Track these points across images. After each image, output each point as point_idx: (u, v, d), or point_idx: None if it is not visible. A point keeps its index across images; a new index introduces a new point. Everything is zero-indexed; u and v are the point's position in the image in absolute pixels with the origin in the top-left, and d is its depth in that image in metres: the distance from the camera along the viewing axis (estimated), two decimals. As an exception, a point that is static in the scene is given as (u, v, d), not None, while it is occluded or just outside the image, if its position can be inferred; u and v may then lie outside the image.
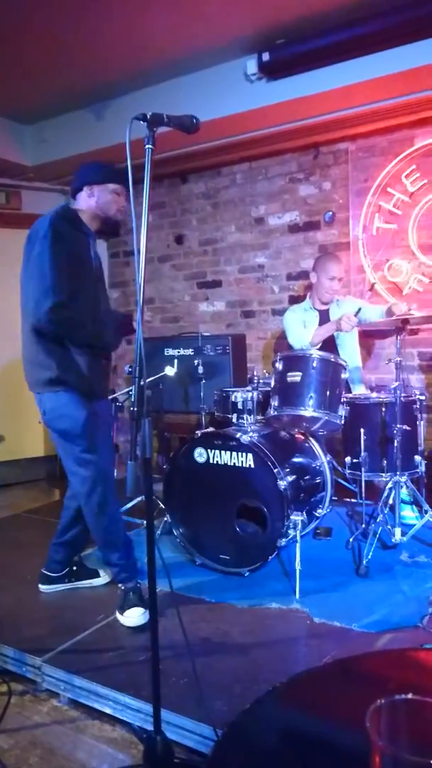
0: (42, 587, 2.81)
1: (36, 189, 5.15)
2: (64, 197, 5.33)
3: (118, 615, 2.51)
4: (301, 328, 3.82)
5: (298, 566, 2.65)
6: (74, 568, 2.85)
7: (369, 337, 4.26)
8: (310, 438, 3.21)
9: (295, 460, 3.06)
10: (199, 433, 3.00)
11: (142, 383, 1.62)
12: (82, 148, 4.43)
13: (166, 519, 3.14)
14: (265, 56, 3.54)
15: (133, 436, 1.62)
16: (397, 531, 2.93)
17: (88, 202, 2.59)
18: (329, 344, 3.74)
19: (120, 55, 3.66)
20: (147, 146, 1.72)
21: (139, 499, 3.60)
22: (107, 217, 2.63)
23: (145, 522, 3.53)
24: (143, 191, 1.70)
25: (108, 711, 2.04)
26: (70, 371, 2.49)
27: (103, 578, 2.87)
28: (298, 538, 2.68)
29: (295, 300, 4.63)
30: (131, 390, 1.65)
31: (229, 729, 0.84)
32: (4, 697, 2.18)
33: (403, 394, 2.98)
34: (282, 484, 2.71)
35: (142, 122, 1.72)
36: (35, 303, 2.37)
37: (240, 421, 3.13)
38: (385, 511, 3.00)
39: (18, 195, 5.11)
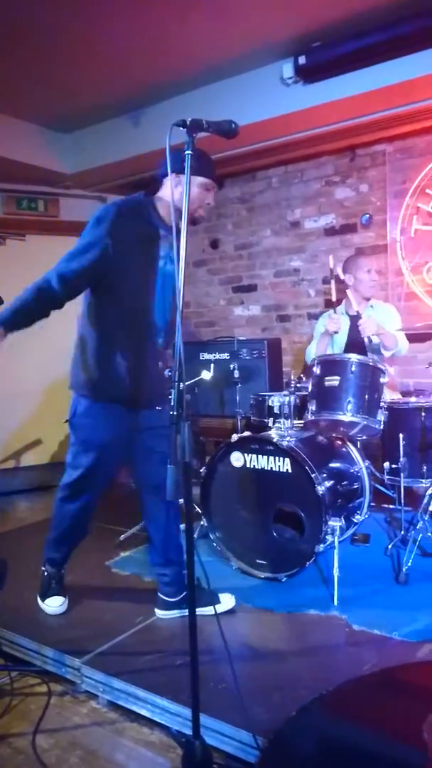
0: (159, 613, 2.61)
1: (74, 196, 5.23)
2: (101, 204, 5.40)
3: (39, 600, 2.69)
4: (316, 341, 3.87)
5: (336, 572, 2.62)
6: None
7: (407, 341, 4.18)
8: (348, 443, 3.17)
9: (333, 465, 3.03)
10: (236, 437, 3.00)
11: (181, 387, 1.63)
12: (120, 156, 4.49)
13: (202, 523, 3.13)
14: (302, 60, 3.53)
15: (173, 440, 1.63)
16: (438, 538, 2.87)
17: (169, 191, 2.25)
18: (358, 346, 3.71)
19: (156, 61, 3.69)
20: (186, 152, 1.73)
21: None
22: (189, 214, 2.15)
23: (182, 526, 3.53)
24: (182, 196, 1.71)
25: (146, 714, 2.04)
26: (108, 378, 2.39)
27: (225, 604, 2.58)
28: (336, 544, 2.65)
29: (331, 304, 4.58)
30: (170, 393, 1.65)
31: (275, 736, 0.84)
32: (44, 697, 2.21)
33: (443, 399, 2.93)
34: (320, 489, 2.68)
35: (181, 128, 1.73)
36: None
37: (277, 425, 3.11)
38: (425, 518, 2.94)
39: (56, 203, 5.19)
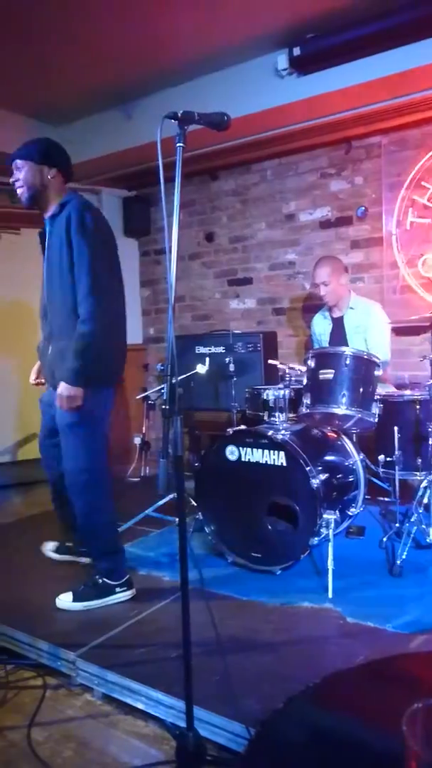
0: None
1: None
2: (95, 197, 5.38)
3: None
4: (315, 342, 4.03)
5: (330, 565, 2.63)
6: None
7: (402, 334, 4.19)
8: (343, 436, 3.18)
9: (328, 458, 3.03)
10: (230, 430, 2.99)
11: (174, 381, 1.62)
12: (112, 148, 4.47)
13: (197, 516, 3.13)
14: (296, 51, 3.52)
15: (165, 433, 1.63)
16: (432, 531, 2.88)
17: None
18: (338, 337, 3.72)
19: (149, 53, 3.67)
20: (178, 144, 1.72)
21: (171, 496, 3.61)
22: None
23: (176, 519, 3.55)
24: (174, 189, 1.70)
25: (140, 707, 2.05)
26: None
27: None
28: (330, 536, 2.66)
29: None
30: (163, 388, 1.65)
31: (263, 727, 0.84)
32: (39, 690, 2.21)
33: (437, 392, 2.93)
34: (314, 482, 2.69)
35: (173, 121, 1.72)
36: None
37: (272, 418, 3.11)
38: (420, 511, 2.95)
39: (50, 195, 5.16)
